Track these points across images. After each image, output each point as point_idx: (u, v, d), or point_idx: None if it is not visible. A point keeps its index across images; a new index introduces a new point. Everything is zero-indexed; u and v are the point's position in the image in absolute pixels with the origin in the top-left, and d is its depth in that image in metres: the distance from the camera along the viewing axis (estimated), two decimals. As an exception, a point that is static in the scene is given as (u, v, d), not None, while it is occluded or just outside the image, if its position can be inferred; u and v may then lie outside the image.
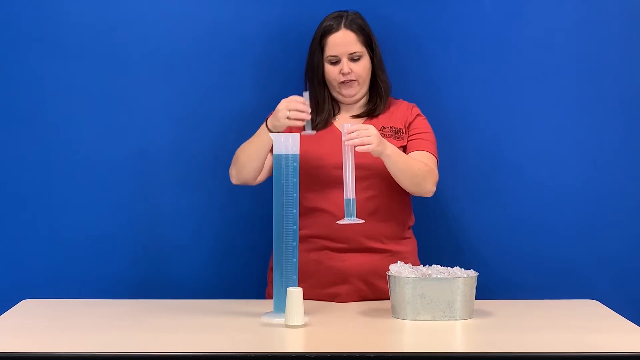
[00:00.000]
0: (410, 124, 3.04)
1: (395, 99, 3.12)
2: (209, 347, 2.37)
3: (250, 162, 2.94)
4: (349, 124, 2.77)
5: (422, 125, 3.05)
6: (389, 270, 2.71)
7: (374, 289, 2.92)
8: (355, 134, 2.75)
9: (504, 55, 3.33)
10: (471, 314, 2.66)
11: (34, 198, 3.30)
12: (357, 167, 2.81)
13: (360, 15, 3.04)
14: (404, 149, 3.00)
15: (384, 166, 2.87)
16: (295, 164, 2.63)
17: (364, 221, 2.79)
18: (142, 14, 3.29)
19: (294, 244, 2.63)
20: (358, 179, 2.82)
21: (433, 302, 2.63)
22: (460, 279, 2.64)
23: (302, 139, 2.77)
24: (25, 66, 3.28)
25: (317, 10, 3.23)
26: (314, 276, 2.93)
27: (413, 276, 2.64)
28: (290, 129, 2.90)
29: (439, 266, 2.73)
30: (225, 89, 3.32)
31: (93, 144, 3.30)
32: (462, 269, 2.71)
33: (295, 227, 2.63)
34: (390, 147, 2.83)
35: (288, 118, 2.80)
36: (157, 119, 3.32)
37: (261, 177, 3.00)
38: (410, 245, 3.05)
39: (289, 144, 2.63)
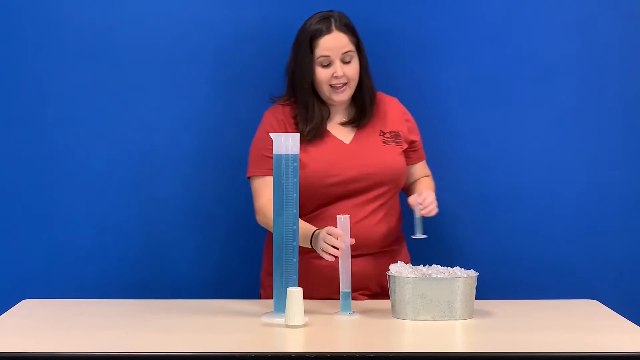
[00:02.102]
0: (406, 127, 3.06)
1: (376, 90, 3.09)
2: (209, 347, 2.37)
3: None
4: (419, 203, 2.86)
5: (416, 131, 3.10)
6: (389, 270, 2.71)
7: (386, 290, 2.90)
8: (433, 206, 2.88)
9: (504, 55, 3.33)
10: (471, 314, 2.66)
11: (34, 198, 3.30)
12: (368, 177, 2.91)
13: (345, 15, 2.99)
14: (405, 153, 3.03)
15: (395, 171, 2.97)
16: (295, 164, 2.63)
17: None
18: (142, 14, 3.29)
19: (294, 243, 2.63)
20: (371, 188, 2.92)
21: (433, 302, 2.62)
22: (461, 279, 2.64)
23: (303, 151, 2.84)
24: (25, 66, 3.28)
25: (317, 9, 3.24)
26: (335, 281, 2.92)
27: (413, 276, 2.64)
28: None
29: (439, 266, 2.73)
30: (225, 89, 3.31)
31: (93, 144, 3.30)
32: (462, 268, 2.71)
33: (295, 227, 2.63)
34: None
35: (322, 250, 2.74)
36: (157, 119, 3.31)
37: None
38: (403, 241, 3.09)
39: (289, 144, 2.63)
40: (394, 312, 2.67)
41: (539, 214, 3.35)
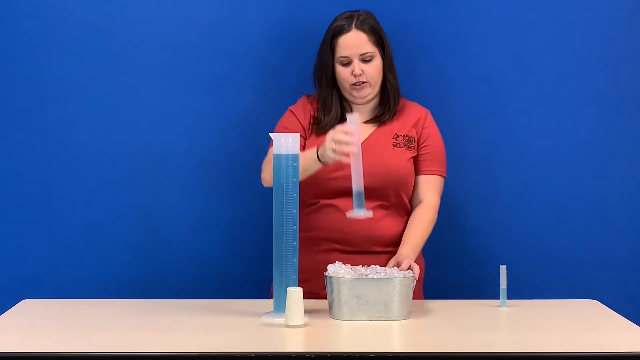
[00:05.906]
0: (421, 132, 3.03)
1: (409, 100, 3.11)
2: (209, 347, 2.37)
3: None
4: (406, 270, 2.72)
5: (434, 139, 3.05)
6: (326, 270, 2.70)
7: None
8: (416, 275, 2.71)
9: (505, 55, 3.33)
10: (408, 314, 2.64)
11: (34, 197, 3.30)
12: (371, 176, 2.85)
13: (372, 14, 3.02)
14: (415, 159, 3.01)
15: (398, 176, 2.95)
16: (295, 164, 2.63)
17: (371, 214, 2.76)
18: (144, 13, 3.29)
19: (294, 243, 2.63)
20: (372, 188, 2.88)
21: (369, 303, 2.61)
22: (397, 279, 2.62)
23: (313, 144, 2.80)
24: (25, 66, 3.28)
25: (319, 10, 3.25)
26: (322, 277, 2.93)
27: (349, 276, 2.63)
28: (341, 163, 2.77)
29: (377, 267, 2.72)
30: (227, 90, 3.32)
31: (93, 143, 3.31)
32: (399, 270, 2.70)
33: (295, 227, 2.63)
34: (413, 253, 2.87)
35: (334, 151, 2.68)
36: (158, 119, 3.32)
37: None
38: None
39: (289, 144, 2.63)
40: (331, 313, 2.64)
41: (539, 214, 3.35)
